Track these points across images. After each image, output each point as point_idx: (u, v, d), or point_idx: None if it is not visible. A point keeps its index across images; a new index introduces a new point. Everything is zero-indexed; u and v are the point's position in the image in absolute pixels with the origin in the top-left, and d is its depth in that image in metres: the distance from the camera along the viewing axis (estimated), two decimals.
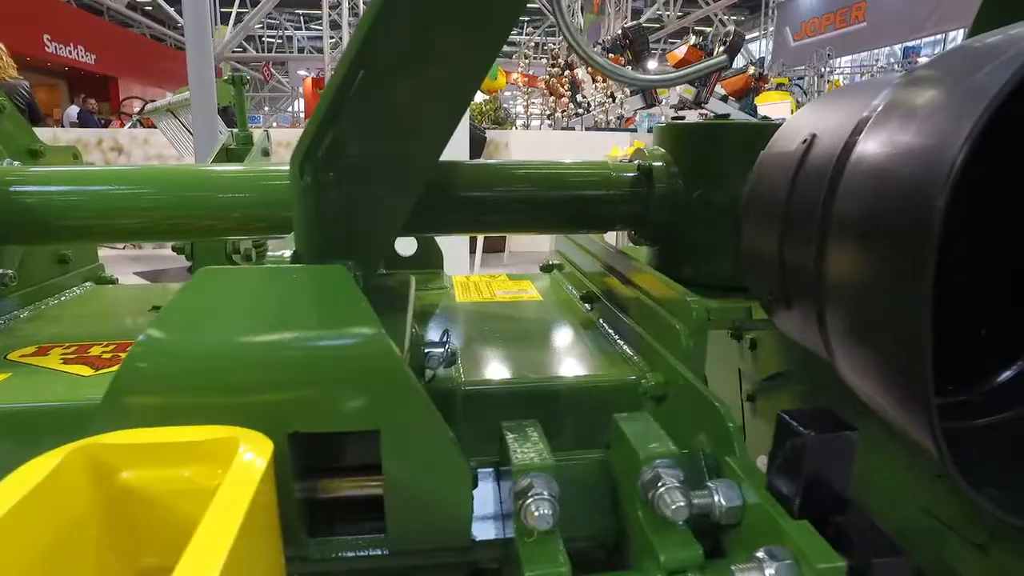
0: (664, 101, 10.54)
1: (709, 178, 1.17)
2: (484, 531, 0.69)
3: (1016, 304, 0.88)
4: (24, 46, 13.28)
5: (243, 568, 0.39)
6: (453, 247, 4.51)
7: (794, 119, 0.94)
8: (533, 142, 7.91)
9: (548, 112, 8.54)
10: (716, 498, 0.60)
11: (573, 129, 8.40)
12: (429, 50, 0.66)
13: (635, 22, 10.08)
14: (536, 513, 0.58)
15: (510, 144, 7.71)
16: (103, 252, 1.63)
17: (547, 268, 1.69)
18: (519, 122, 9.31)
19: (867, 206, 0.64)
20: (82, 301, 1.39)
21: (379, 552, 0.62)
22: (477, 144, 6.84)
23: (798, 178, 0.81)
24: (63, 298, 1.39)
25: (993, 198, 0.94)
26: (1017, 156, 0.85)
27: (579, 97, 7.98)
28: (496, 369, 0.99)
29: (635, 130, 8.65)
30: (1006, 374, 0.83)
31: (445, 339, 0.84)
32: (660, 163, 1.19)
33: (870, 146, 0.67)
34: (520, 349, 1.09)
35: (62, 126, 9.60)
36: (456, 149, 4.94)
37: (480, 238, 5.92)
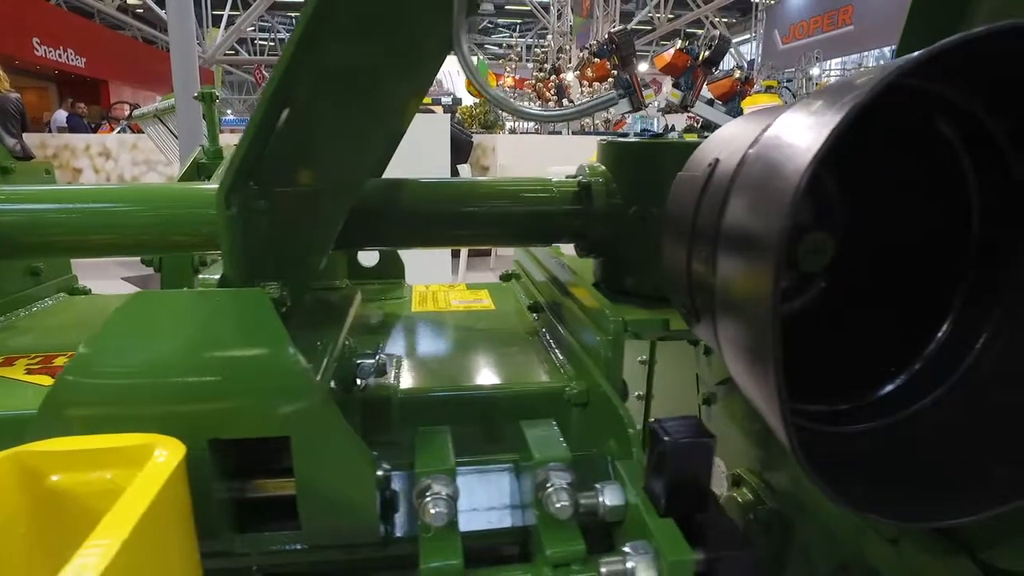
0: (652, 104, 10.59)
1: (645, 194, 1.23)
2: (403, 528, 0.75)
3: (901, 324, 0.95)
4: (13, 49, 13.30)
5: (143, 557, 0.46)
6: (434, 254, 4.57)
7: (707, 142, 1.00)
8: (520, 146, 7.97)
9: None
10: (601, 498, 0.66)
11: (560, 133, 8.49)
12: (350, 87, 0.72)
13: (621, 27, 10.17)
14: (432, 511, 0.64)
15: (497, 148, 7.77)
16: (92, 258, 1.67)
17: (506, 277, 1.75)
18: (507, 125, 9.38)
19: (738, 226, 0.71)
20: (53, 312, 1.44)
21: (297, 547, 0.68)
22: (463, 148, 6.89)
23: (702, 199, 0.87)
24: (34, 309, 1.44)
25: (893, 226, 1.01)
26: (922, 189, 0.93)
27: (565, 101, 8.06)
28: (434, 377, 1.05)
29: (627, 134, 8.69)
30: (888, 387, 0.89)
31: (376, 351, 0.90)
32: (599, 179, 1.26)
33: (746, 171, 0.74)
34: (461, 357, 1.15)
35: (49, 131, 9.62)
36: (437, 152, 5.00)
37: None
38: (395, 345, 1.19)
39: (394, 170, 1.31)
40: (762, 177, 0.69)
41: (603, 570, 0.58)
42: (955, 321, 0.91)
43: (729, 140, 0.92)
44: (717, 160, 0.88)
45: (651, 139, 1.27)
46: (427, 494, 0.65)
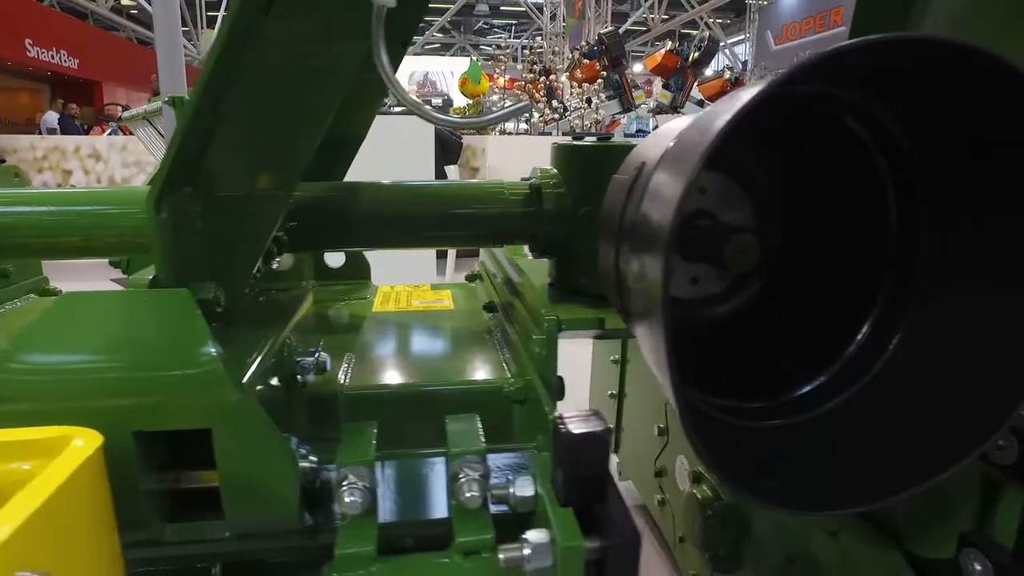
0: (643, 106, 10.63)
1: (594, 195, 1.26)
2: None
3: (829, 324, 0.98)
4: (5, 50, 13.29)
5: (44, 541, 0.49)
6: (421, 256, 4.59)
7: (640, 145, 1.04)
8: (510, 147, 8.00)
9: (526, 117, 8.64)
10: (512, 490, 0.70)
11: (550, 134, 8.51)
12: (275, 95, 0.75)
13: (611, 28, 10.21)
14: (347, 499, 0.67)
15: (487, 150, 7.79)
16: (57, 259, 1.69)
17: (471, 278, 1.78)
18: (506, 127, 9.42)
19: (641, 223, 0.75)
20: (21, 313, 1.47)
21: (225, 535, 0.71)
22: (453, 150, 6.92)
23: (628, 201, 0.91)
24: (2, 310, 1.47)
25: (825, 229, 1.05)
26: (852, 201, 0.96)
27: (555, 102, 8.09)
28: (381, 375, 1.08)
29: (610, 135, 8.70)
30: (806, 387, 0.93)
31: (317, 349, 0.93)
32: (549, 181, 1.29)
33: (654, 177, 0.78)
34: (411, 356, 1.18)
35: (40, 133, 9.63)
36: (421, 154, 5.03)
37: None
38: (350, 344, 1.22)
39: (378, 171, 1.34)
40: (665, 177, 0.72)
41: (501, 556, 0.61)
42: (874, 323, 0.94)
43: (656, 143, 0.95)
44: (643, 163, 0.91)
45: (599, 141, 1.31)
46: (344, 484, 0.68)
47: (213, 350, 0.66)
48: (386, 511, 0.80)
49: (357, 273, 1.71)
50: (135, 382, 0.64)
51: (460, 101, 12.48)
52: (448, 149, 6.73)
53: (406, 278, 1.78)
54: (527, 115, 8.25)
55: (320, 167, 1.52)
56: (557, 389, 1.00)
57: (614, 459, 2.55)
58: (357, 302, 1.56)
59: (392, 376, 1.07)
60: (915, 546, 1.07)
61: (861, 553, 1.14)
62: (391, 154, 4.54)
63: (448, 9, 21.83)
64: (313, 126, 0.80)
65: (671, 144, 0.77)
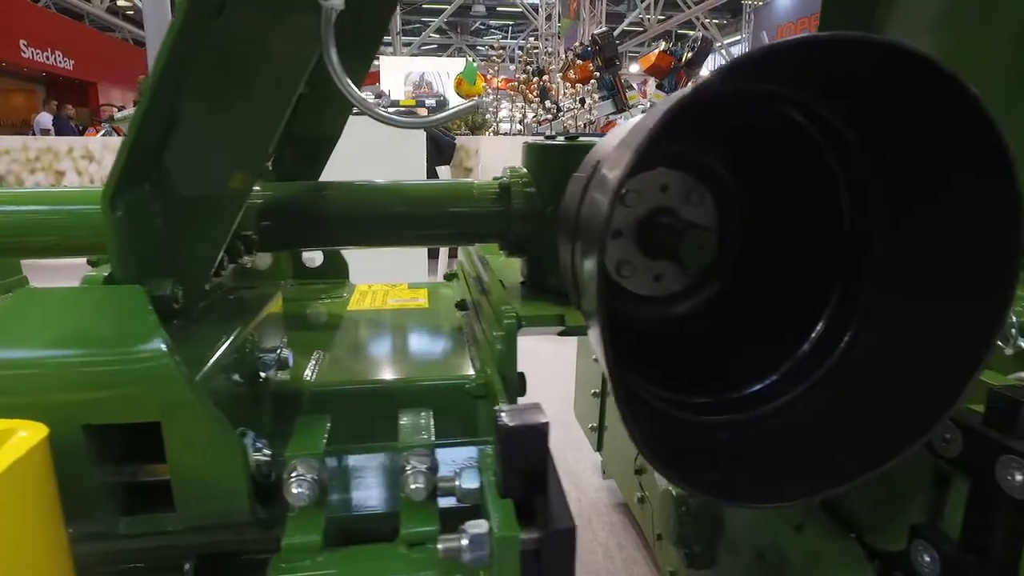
0: (637, 106, 10.64)
1: (562, 195, 1.28)
2: None
3: (787, 323, 1.00)
4: (0, 51, 13.29)
5: None
6: (411, 256, 4.60)
7: (596, 146, 1.05)
8: (503, 148, 8.01)
9: (520, 117, 8.65)
10: (457, 482, 0.71)
11: (543, 135, 8.47)
12: (227, 95, 0.76)
13: (604, 29, 10.22)
14: (295, 491, 0.68)
15: (480, 150, 7.80)
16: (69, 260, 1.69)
17: (449, 277, 1.80)
18: (502, 128, 9.44)
19: (585, 218, 0.77)
20: None
21: (178, 528, 0.73)
22: (446, 150, 6.92)
23: (583, 199, 0.92)
24: None
25: (785, 230, 1.06)
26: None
27: (548, 103, 8.10)
28: (348, 372, 1.10)
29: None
30: (756, 387, 0.94)
31: (279, 346, 0.95)
32: (519, 180, 1.30)
33: (599, 174, 0.79)
34: (379, 353, 1.20)
35: (33, 134, 9.62)
36: (411, 154, 5.04)
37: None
38: (320, 341, 1.23)
39: (368, 171, 1.35)
40: (606, 174, 0.74)
41: (440, 547, 0.63)
42: (827, 321, 0.96)
43: (610, 141, 0.97)
44: (598, 161, 0.93)
45: (567, 140, 1.32)
46: (292, 476, 0.70)
47: (162, 345, 0.67)
48: (342, 504, 0.82)
49: (335, 272, 1.72)
50: (84, 376, 0.66)
51: (456, 102, 12.48)
52: (441, 149, 6.74)
53: (397, 277, 1.79)
54: (521, 115, 8.26)
55: (295, 168, 1.53)
56: (518, 385, 1.01)
57: (598, 457, 2.57)
58: (333, 301, 1.58)
59: (358, 373, 1.09)
60: (872, 539, 1.09)
61: (823, 546, 1.16)
62: (381, 155, 4.55)
63: (445, 10, 21.85)
64: (269, 124, 0.81)
65: (617, 143, 0.79)
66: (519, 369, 1.00)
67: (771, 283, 1.08)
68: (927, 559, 0.90)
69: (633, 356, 0.98)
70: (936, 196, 0.81)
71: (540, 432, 0.64)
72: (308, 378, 1.06)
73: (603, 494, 2.53)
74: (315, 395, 1.02)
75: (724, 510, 1.56)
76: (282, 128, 0.82)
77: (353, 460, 0.84)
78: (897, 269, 0.87)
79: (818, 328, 0.96)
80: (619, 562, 2.17)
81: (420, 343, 1.26)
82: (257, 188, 1.35)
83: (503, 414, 0.64)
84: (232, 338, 0.88)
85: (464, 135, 8.25)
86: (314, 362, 1.12)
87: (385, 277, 1.78)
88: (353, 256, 1.74)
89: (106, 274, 0.77)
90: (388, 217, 1.32)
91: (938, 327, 0.81)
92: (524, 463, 0.64)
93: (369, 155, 4.02)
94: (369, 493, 0.82)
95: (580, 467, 2.66)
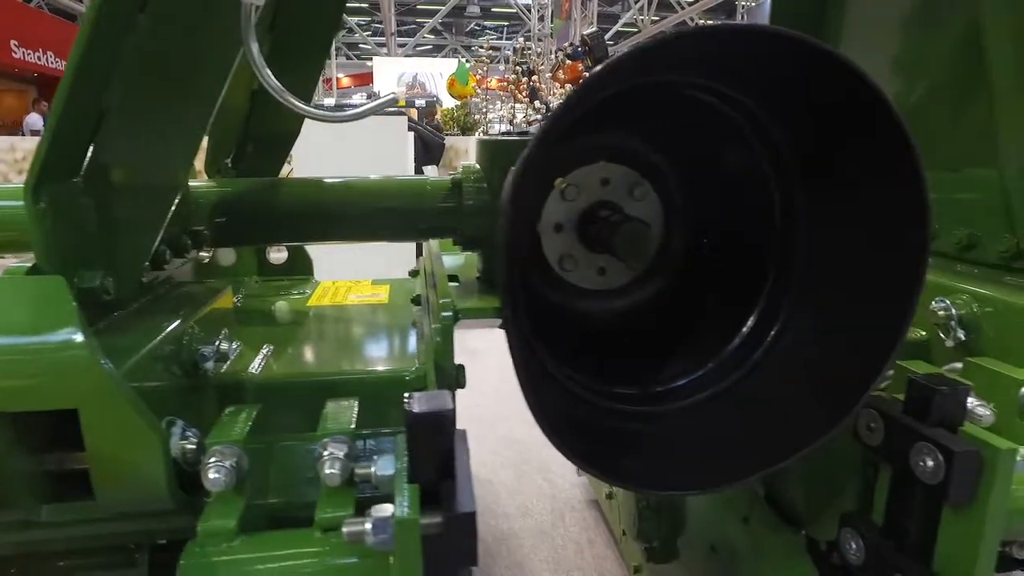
0: None
1: None
2: None
3: (717, 323, 1.01)
4: None
5: None
6: (399, 250, 4.61)
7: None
8: None
9: (510, 118, 8.67)
10: (373, 469, 0.72)
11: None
12: (153, 86, 0.78)
13: (595, 29, 10.23)
14: (211, 476, 0.70)
15: (470, 150, 7.82)
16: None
17: (414, 273, 1.81)
18: (483, 127, 9.45)
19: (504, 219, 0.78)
20: None
21: (100, 515, 0.74)
22: (435, 150, 6.94)
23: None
24: None
25: (726, 229, 1.08)
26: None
27: (537, 102, 8.13)
28: (295, 365, 1.11)
29: None
30: (680, 381, 0.96)
31: (218, 339, 0.96)
32: (471, 176, 1.32)
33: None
34: (328, 347, 1.21)
35: (22, 134, 9.60)
36: (397, 153, 5.05)
37: None
38: (272, 336, 1.24)
39: (355, 171, 1.35)
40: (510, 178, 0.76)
41: (345, 531, 0.64)
42: (757, 316, 0.97)
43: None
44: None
45: (518, 136, 1.33)
46: (209, 462, 0.71)
47: (78, 334, 0.68)
48: (267, 492, 0.83)
49: (299, 269, 1.73)
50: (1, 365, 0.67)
51: (450, 102, 12.51)
52: (429, 149, 6.76)
53: (384, 273, 1.79)
54: (511, 115, 8.29)
55: (255, 164, 1.54)
56: (453, 377, 1.02)
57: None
58: (295, 297, 1.59)
59: (302, 366, 1.10)
60: (811, 529, 1.11)
61: (767, 538, 1.18)
62: (368, 155, 4.57)
63: (439, 11, 21.86)
64: (197, 118, 0.82)
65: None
66: (461, 362, 1.02)
67: (712, 280, 1.09)
68: (854, 546, 0.92)
69: (567, 344, 1.00)
70: (852, 194, 0.83)
71: (445, 418, 0.65)
72: (253, 371, 1.07)
73: (577, 491, 2.54)
74: (258, 387, 1.03)
75: (681, 505, 1.57)
76: (213, 119, 0.83)
77: (281, 449, 0.85)
78: (820, 263, 0.89)
79: (749, 323, 0.97)
80: (589, 558, 2.19)
81: (370, 337, 1.27)
82: (212, 184, 1.36)
83: (410, 401, 0.65)
84: (168, 330, 0.89)
85: (455, 135, 8.27)
86: (262, 356, 1.13)
87: (373, 273, 1.78)
88: (341, 253, 1.74)
89: (30, 265, 0.78)
90: (341, 213, 1.33)
91: (854, 321, 0.82)
92: (431, 448, 0.65)
93: (356, 155, 4.03)
94: (295, 481, 0.83)
95: (555, 464, 2.67)
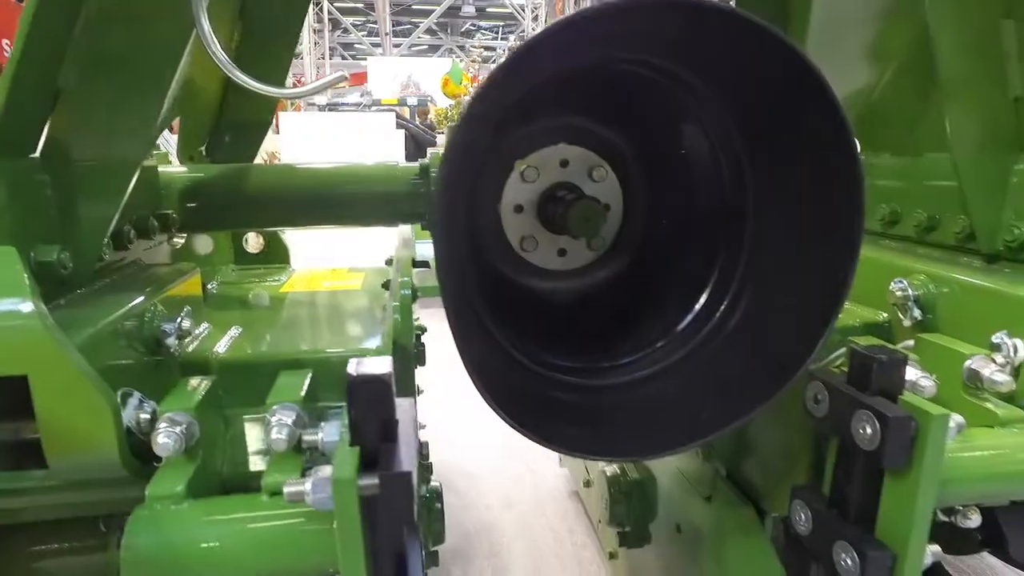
0: None
1: None
2: None
3: (679, 296, 1.03)
4: None
5: None
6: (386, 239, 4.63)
7: None
8: None
9: None
10: (320, 435, 0.74)
11: None
12: (110, 68, 0.79)
13: None
14: (160, 441, 0.71)
15: None
16: None
17: (389, 261, 1.82)
18: None
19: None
20: None
21: (51, 484, 0.75)
22: (426, 147, 6.96)
23: None
24: None
25: (684, 209, 1.10)
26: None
27: None
28: (259, 345, 1.12)
29: None
30: (639, 353, 0.98)
31: (180, 317, 0.97)
32: (439, 161, 1.34)
33: None
34: (296, 329, 1.23)
35: None
36: (386, 149, 5.08)
37: None
38: (241, 319, 1.26)
39: None
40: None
41: (286, 490, 0.65)
42: (709, 294, 0.99)
43: None
44: None
45: None
46: (160, 428, 0.72)
47: (28, 302, 0.70)
48: (226, 462, 0.85)
49: (275, 258, 1.75)
50: None
51: (444, 102, 12.54)
52: (420, 146, 6.78)
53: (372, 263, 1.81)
54: None
55: (229, 151, 1.56)
56: (412, 354, 1.04)
57: None
58: (271, 283, 1.60)
59: (266, 345, 1.11)
60: (767, 505, 1.12)
61: (727, 515, 1.20)
62: (355, 151, 4.60)
63: (434, 11, 21.88)
64: (152, 97, 0.84)
65: None
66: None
67: (669, 260, 1.11)
68: (803, 517, 0.93)
69: (526, 321, 1.02)
70: (794, 172, 0.85)
71: (383, 382, 0.66)
72: (218, 350, 1.08)
73: (560, 482, 2.56)
74: (221, 365, 1.05)
75: (651, 489, 1.59)
76: (169, 98, 0.85)
77: (236, 421, 0.87)
78: (765, 240, 0.91)
79: (700, 302, 0.99)
80: (569, 546, 2.20)
81: (338, 320, 1.29)
82: (183, 170, 1.38)
83: (354, 365, 0.67)
84: (129, 306, 0.91)
85: (442, 132, 8.28)
86: (229, 337, 1.15)
87: (367, 259, 1.79)
88: (335, 245, 1.74)
89: None
90: (311, 198, 1.35)
91: (796, 296, 0.84)
92: (371, 412, 0.67)
93: (343, 152, 4.07)
94: (249, 452, 0.84)
95: (538, 456, 2.69)
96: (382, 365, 0.67)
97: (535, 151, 1.10)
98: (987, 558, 2.09)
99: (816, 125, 0.78)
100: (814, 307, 0.81)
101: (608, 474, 1.74)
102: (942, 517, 0.98)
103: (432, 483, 1.55)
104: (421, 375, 1.79)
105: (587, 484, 2.12)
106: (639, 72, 0.95)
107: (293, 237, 1.75)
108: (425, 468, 1.75)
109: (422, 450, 1.32)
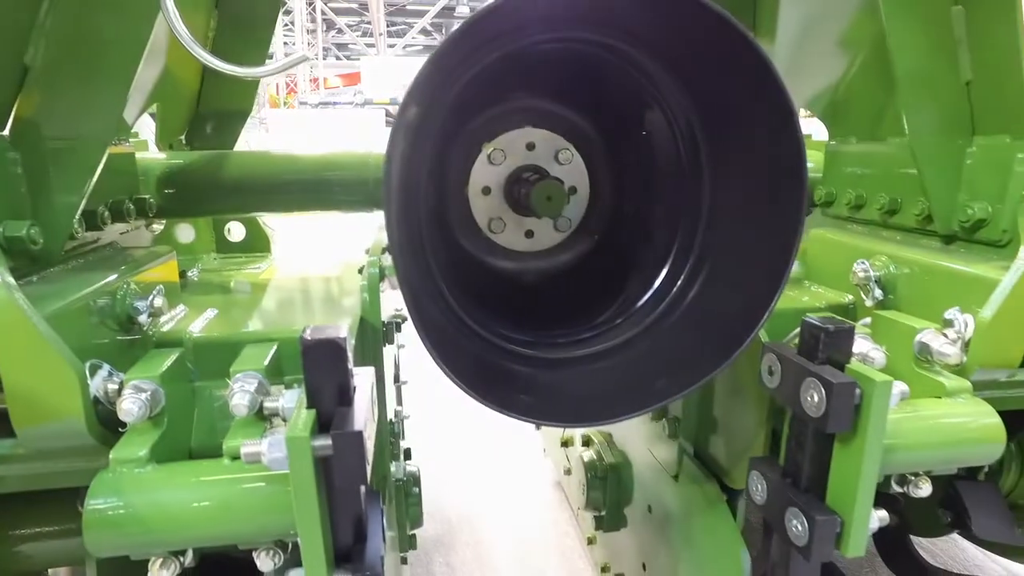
0: None
1: None
2: None
3: (643, 274, 1.06)
4: None
5: None
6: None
7: None
8: None
9: None
10: (281, 402, 0.76)
11: None
12: (75, 50, 0.81)
13: None
14: (124, 407, 0.73)
15: None
16: None
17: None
18: None
19: None
20: None
21: (18, 452, 0.77)
22: None
23: None
24: None
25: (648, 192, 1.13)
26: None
27: None
28: (233, 324, 1.14)
29: None
30: (600, 329, 1.01)
31: (152, 295, 1.00)
32: None
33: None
34: (270, 311, 1.25)
35: None
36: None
37: None
38: (217, 302, 1.28)
39: None
40: None
41: (243, 451, 0.68)
42: (664, 277, 1.02)
43: None
44: None
45: None
46: (125, 394, 0.75)
47: None
48: (194, 433, 0.87)
49: (257, 246, 1.77)
50: None
51: None
52: None
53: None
54: None
55: (208, 140, 1.58)
56: (380, 332, 1.06)
57: (538, 437, 2.62)
58: (250, 271, 1.62)
59: (238, 325, 1.13)
60: (729, 479, 1.15)
61: (694, 492, 1.22)
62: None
63: (428, 11, 21.91)
64: (118, 79, 0.86)
65: None
66: None
67: (633, 239, 1.14)
68: (760, 488, 0.96)
69: (491, 298, 1.04)
70: (745, 148, 0.87)
71: (337, 346, 0.68)
72: (193, 330, 1.10)
73: (543, 472, 2.58)
74: (196, 343, 1.07)
75: (626, 472, 1.62)
76: (146, 85, 0.87)
77: (203, 393, 0.89)
78: (718, 221, 0.94)
79: (657, 281, 1.02)
80: (551, 535, 2.22)
81: (312, 303, 1.31)
82: (160, 156, 1.40)
83: (307, 332, 0.69)
84: (101, 284, 0.93)
85: None
86: (204, 318, 1.17)
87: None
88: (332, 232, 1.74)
89: None
90: (286, 184, 1.37)
91: (745, 271, 0.87)
92: (324, 375, 0.69)
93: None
94: (217, 422, 0.87)
95: (522, 446, 2.71)
96: (337, 331, 0.70)
97: (501, 134, 1.12)
98: (959, 541, 2.13)
99: (763, 106, 0.80)
100: (762, 282, 0.83)
101: (585, 459, 1.76)
102: (896, 488, 1.00)
103: (410, 468, 1.57)
104: (407, 372, 1.83)
105: (567, 472, 2.14)
106: (602, 56, 0.98)
107: (293, 237, 1.79)
108: (405, 453, 1.78)
109: (395, 428, 1.34)
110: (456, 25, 0.69)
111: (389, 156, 0.71)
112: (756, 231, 0.86)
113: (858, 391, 0.80)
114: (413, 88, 0.69)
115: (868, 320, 1.14)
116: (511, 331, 0.96)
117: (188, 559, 0.79)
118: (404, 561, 1.89)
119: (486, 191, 1.13)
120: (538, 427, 2.48)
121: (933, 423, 0.89)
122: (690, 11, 0.74)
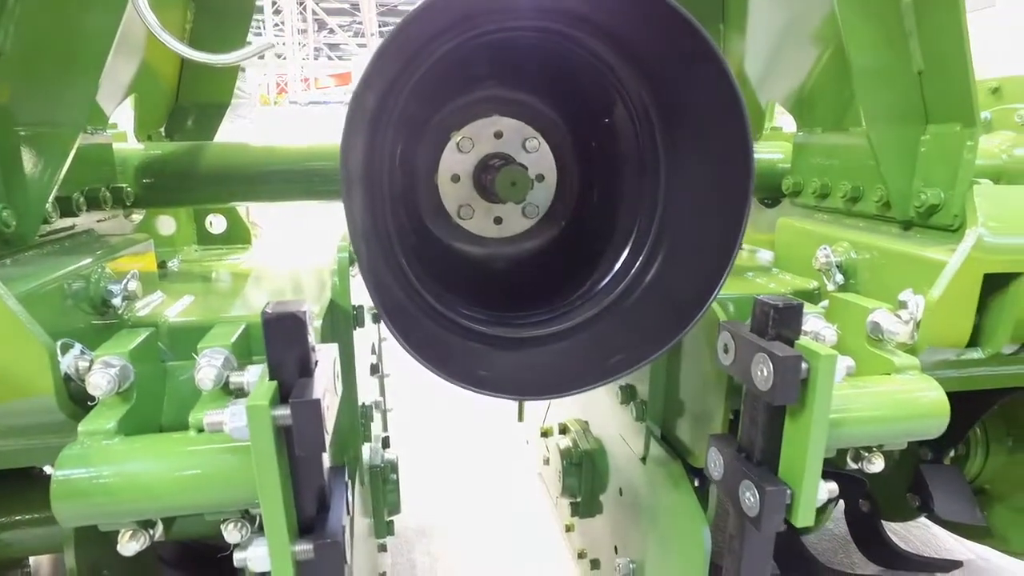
0: None
1: None
2: None
3: (604, 259, 1.09)
4: None
5: None
6: None
7: None
8: None
9: None
10: (246, 376, 0.78)
11: None
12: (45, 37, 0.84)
13: None
14: (92, 380, 0.76)
15: None
16: None
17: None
18: None
19: None
20: None
21: None
22: None
23: None
24: None
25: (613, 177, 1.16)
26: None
27: None
28: (208, 310, 1.16)
29: None
30: (561, 310, 1.04)
31: (127, 279, 1.02)
32: None
33: None
34: (245, 297, 1.27)
35: None
36: None
37: None
38: (194, 289, 1.30)
39: None
40: None
41: (206, 421, 0.70)
42: (627, 256, 1.05)
43: None
44: None
45: None
46: (93, 368, 0.77)
47: None
48: (164, 411, 0.90)
49: (238, 237, 1.79)
50: None
51: None
52: None
53: None
54: None
55: (187, 132, 1.60)
56: (351, 316, 1.09)
57: (521, 428, 2.64)
58: (230, 262, 1.64)
59: (213, 311, 1.16)
60: (692, 459, 1.18)
61: (660, 473, 1.25)
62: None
63: None
64: (88, 69, 0.88)
65: None
66: None
67: (597, 224, 1.17)
68: (717, 464, 0.99)
69: (460, 281, 1.07)
70: (696, 134, 0.91)
71: (297, 319, 0.71)
72: (168, 314, 1.13)
73: (526, 464, 2.61)
74: (171, 327, 1.09)
75: (600, 459, 1.65)
76: (140, 84, 0.89)
77: (174, 372, 0.92)
78: (676, 198, 0.97)
79: (620, 260, 1.05)
80: (531, 525, 2.25)
81: (288, 290, 1.33)
82: (138, 147, 1.42)
83: (267, 306, 0.71)
84: (75, 266, 0.95)
85: None
86: (181, 304, 1.19)
87: None
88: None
89: None
90: (264, 174, 1.39)
91: (698, 251, 0.91)
92: (285, 348, 0.72)
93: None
94: (186, 400, 0.89)
95: (503, 437, 2.74)
96: (299, 305, 0.72)
97: (470, 123, 1.15)
98: (932, 527, 2.17)
99: (712, 93, 0.83)
100: (714, 260, 0.86)
101: (561, 447, 1.79)
102: (852, 464, 1.04)
103: (388, 456, 1.60)
104: (393, 368, 1.85)
105: (546, 462, 2.17)
106: (565, 46, 1.00)
107: (279, 230, 1.81)
108: (383, 441, 1.80)
109: (368, 412, 1.36)
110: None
111: (346, 141, 0.74)
112: (708, 214, 0.89)
113: (805, 365, 0.83)
114: (365, 77, 0.72)
115: (825, 303, 1.18)
116: (477, 311, 0.99)
117: (158, 532, 0.82)
118: (383, 548, 1.92)
119: (455, 179, 1.16)
120: (520, 418, 2.50)
121: (879, 397, 0.93)
122: (641, 3, 0.77)
